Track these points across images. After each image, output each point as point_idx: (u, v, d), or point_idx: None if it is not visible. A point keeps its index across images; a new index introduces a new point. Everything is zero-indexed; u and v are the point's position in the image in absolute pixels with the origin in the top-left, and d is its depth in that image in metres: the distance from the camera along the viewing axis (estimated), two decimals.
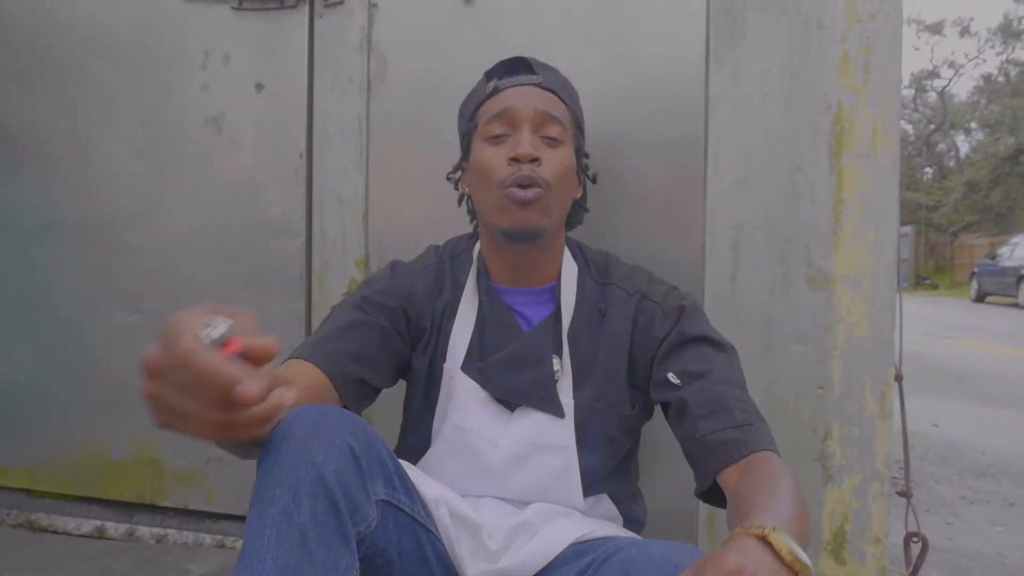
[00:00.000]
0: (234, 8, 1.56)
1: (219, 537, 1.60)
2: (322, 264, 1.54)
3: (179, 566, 1.50)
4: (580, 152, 1.07)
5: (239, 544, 1.29)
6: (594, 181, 1.13)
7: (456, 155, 1.10)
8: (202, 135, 1.60)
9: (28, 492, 1.76)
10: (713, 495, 0.88)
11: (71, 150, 1.70)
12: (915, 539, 1.61)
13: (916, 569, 1.69)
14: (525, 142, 0.96)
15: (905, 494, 1.78)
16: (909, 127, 28.98)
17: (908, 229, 23.94)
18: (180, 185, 1.61)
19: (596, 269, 1.06)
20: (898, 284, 1.32)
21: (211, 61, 1.59)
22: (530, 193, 0.94)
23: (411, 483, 0.86)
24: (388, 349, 0.98)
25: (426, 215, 1.46)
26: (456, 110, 1.11)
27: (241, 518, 1.61)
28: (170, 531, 1.63)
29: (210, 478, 1.63)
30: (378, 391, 0.99)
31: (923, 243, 26.03)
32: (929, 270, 24.99)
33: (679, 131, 1.35)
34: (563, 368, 0.99)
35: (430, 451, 1.00)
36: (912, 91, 28.18)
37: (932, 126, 28.03)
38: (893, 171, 1.29)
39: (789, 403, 1.32)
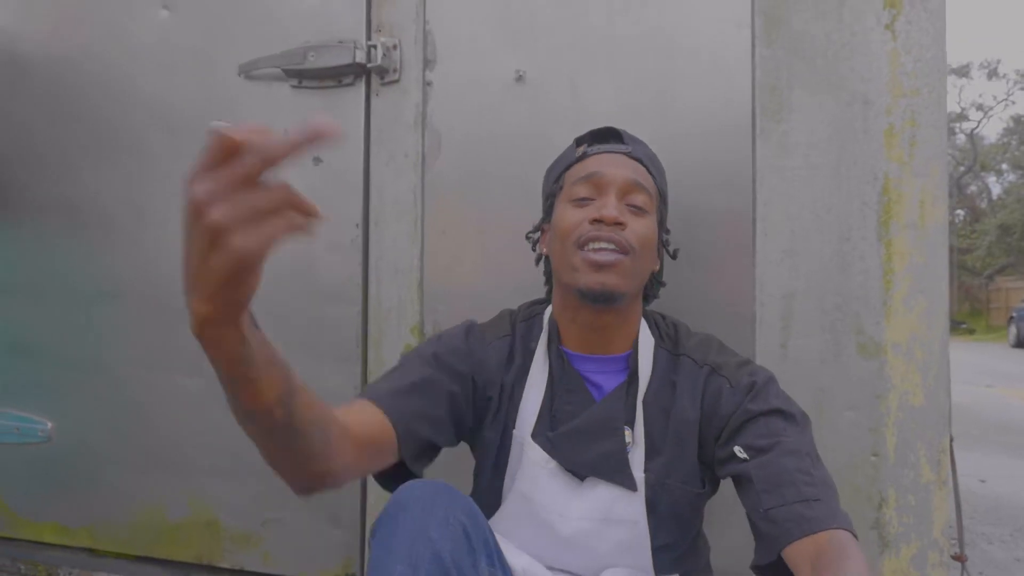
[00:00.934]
0: (293, 87, 1.64)
1: None
2: (377, 331, 1.58)
3: None
4: (662, 225, 1.09)
5: None
6: (674, 257, 1.16)
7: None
8: None
9: (90, 551, 1.80)
10: (774, 570, 0.88)
11: (133, 219, 1.78)
12: None
13: None
14: (611, 205, 0.98)
15: (959, 558, 1.76)
16: None
17: None
18: None
19: (668, 339, 1.08)
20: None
21: None
22: (611, 256, 0.96)
23: (504, 557, 0.89)
24: (453, 415, 1.01)
25: (479, 283, 1.50)
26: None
27: None
28: None
29: (266, 540, 1.66)
30: (438, 451, 1.01)
31: (957, 287, 25.63)
32: (964, 314, 24.57)
33: (727, 203, 1.38)
34: (635, 440, 1.00)
35: (500, 514, 1.02)
36: None
37: (962, 168, 27.83)
38: (942, 241, 1.31)
39: (842, 471, 1.32)
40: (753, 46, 1.39)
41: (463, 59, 1.54)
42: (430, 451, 0.99)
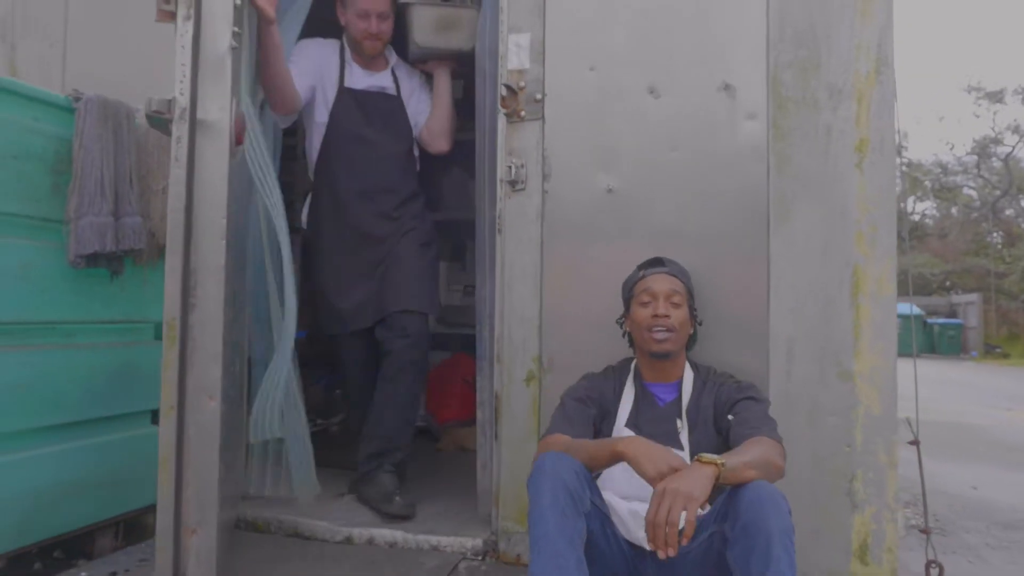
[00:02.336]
0: None
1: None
2: (509, 358, 2.30)
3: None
4: (692, 308, 1.88)
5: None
6: (700, 324, 1.92)
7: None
8: None
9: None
10: None
11: None
12: (934, 565, 2.28)
13: None
14: (661, 308, 1.80)
15: (925, 531, 2.43)
16: (974, 192, 28.93)
17: (975, 297, 23.72)
18: None
19: (702, 373, 1.85)
20: (914, 359, 2.01)
21: None
22: (664, 335, 1.79)
23: (599, 492, 1.63)
24: (593, 424, 1.81)
25: (579, 330, 2.21)
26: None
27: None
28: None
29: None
30: None
31: (994, 310, 25.62)
32: (1002, 338, 24.56)
33: (750, 275, 2.09)
34: (684, 426, 1.75)
35: (606, 471, 1.74)
36: (975, 157, 28.22)
37: (998, 192, 27.92)
38: (892, 306, 2.00)
39: (826, 457, 2.01)
40: (768, 174, 2.10)
41: (570, 175, 2.28)
42: None
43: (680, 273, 1.90)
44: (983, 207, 27.84)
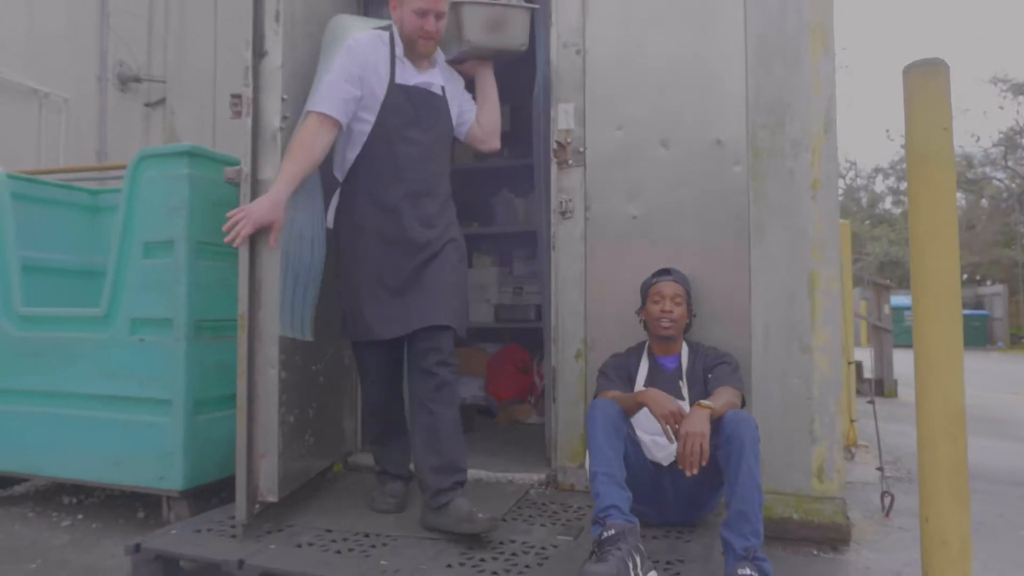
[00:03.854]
0: None
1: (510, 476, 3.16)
2: (563, 341, 3.14)
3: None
4: (689, 304, 2.70)
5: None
6: (695, 316, 2.75)
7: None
8: None
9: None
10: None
11: None
12: (887, 495, 3.10)
13: (888, 511, 3.17)
14: (668, 306, 2.63)
15: (880, 469, 3.23)
16: (1002, 183, 29.09)
17: (1000, 288, 24.02)
18: None
19: (694, 348, 2.69)
20: (852, 338, 2.80)
21: None
22: (668, 323, 2.62)
23: (632, 427, 2.49)
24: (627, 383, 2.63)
25: (613, 320, 3.04)
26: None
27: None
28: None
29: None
30: None
31: (1021, 301, 25.78)
32: None
33: (735, 282, 2.90)
34: (685, 386, 2.58)
35: (634, 417, 2.58)
36: (1003, 148, 28.40)
37: None
38: (837, 299, 2.80)
39: (793, 407, 2.82)
40: (749, 204, 2.91)
41: (605, 206, 3.11)
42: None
43: (682, 280, 2.71)
44: (1010, 198, 28.02)
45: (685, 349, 2.69)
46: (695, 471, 2.21)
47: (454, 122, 2.81)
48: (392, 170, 2.61)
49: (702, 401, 2.33)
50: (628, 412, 2.46)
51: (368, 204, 2.63)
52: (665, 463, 2.51)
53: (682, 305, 2.66)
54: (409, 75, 2.67)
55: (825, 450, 2.80)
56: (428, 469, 2.52)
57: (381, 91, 2.61)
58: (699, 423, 2.24)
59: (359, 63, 2.57)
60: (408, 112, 2.63)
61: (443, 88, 2.76)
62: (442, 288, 2.60)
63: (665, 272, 2.73)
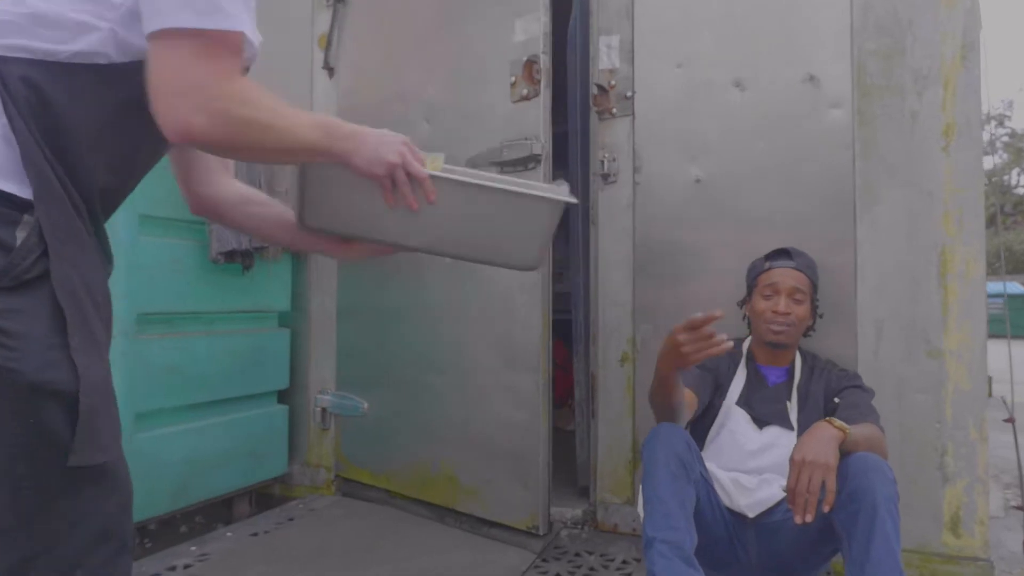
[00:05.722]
0: (497, 171, 2.54)
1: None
2: (605, 339, 2.46)
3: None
4: (814, 302, 1.98)
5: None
6: (821, 316, 2.02)
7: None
8: None
9: (388, 492, 2.74)
10: None
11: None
12: None
13: None
14: (782, 305, 1.90)
15: (1022, 508, 2.46)
16: None
17: None
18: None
19: (809, 360, 1.98)
20: (1008, 338, 2.06)
21: None
22: (782, 328, 1.89)
23: (703, 462, 1.76)
24: (709, 395, 1.93)
25: (671, 313, 2.34)
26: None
27: (500, 525, 2.51)
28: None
29: (484, 494, 2.51)
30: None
31: None
32: None
33: (835, 263, 2.16)
34: (792, 406, 1.86)
35: (712, 444, 1.88)
36: None
37: None
38: (981, 287, 2.05)
39: (916, 432, 2.08)
40: (854, 159, 2.18)
41: (659, 167, 2.40)
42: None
43: (806, 267, 1.97)
44: (985, 247, 26.07)
45: (798, 360, 1.98)
46: (809, 518, 1.51)
47: None
48: None
49: (834, 419, 1.63)
50: (665, 381, 1.66)
51: None
52: (750, 514, 1.79)
53: (804, 304, 1.93)
54: None
55: (962, 492, 2.06)
56: None
57: None
58: (823, 448, 1.53)
59: None
60: None
61: None
62: None
63: (783, 255, 1.99)
